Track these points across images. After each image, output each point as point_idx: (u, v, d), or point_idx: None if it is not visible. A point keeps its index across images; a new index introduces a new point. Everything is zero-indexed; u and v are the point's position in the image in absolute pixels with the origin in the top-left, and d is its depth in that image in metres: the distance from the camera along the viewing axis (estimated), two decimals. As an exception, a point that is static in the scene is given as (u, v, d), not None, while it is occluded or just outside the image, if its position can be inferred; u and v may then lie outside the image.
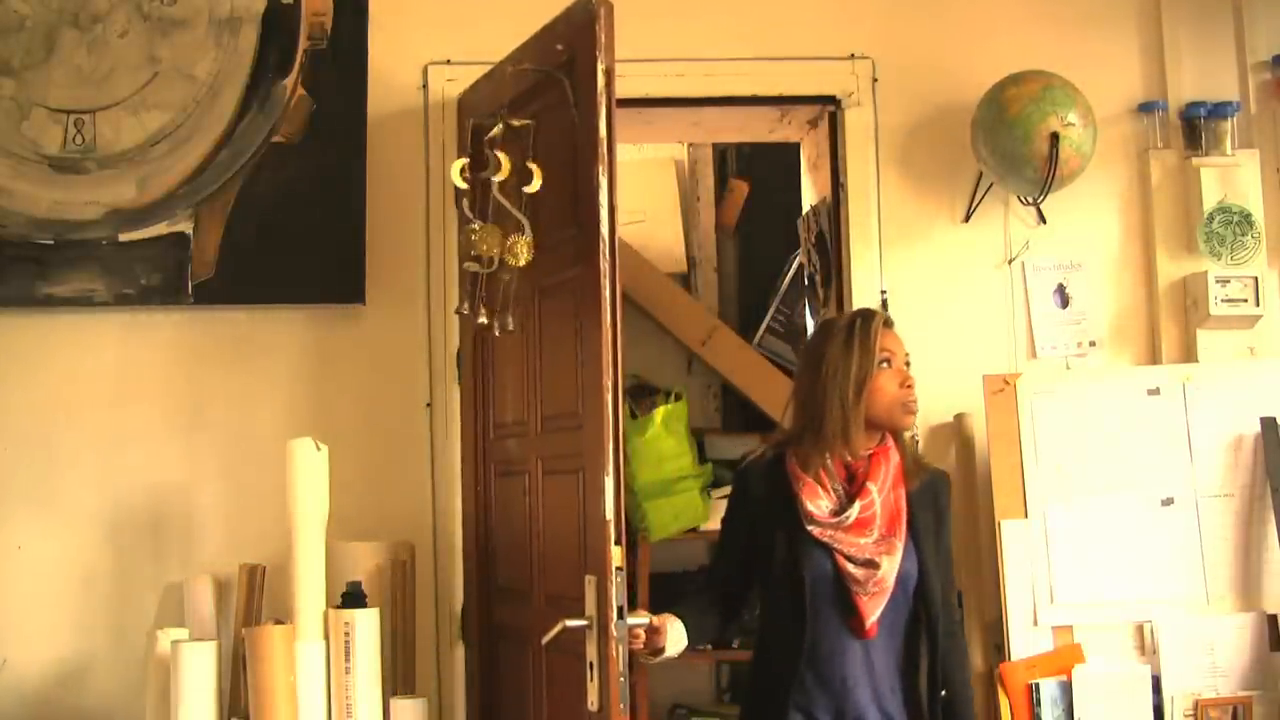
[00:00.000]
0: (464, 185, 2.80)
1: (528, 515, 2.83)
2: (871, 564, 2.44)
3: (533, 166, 2.69)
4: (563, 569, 2.64)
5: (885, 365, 2.51)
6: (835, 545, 2.45)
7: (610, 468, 2.44)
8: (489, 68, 3.13)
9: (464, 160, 2.82)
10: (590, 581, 2.45)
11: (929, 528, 2.53)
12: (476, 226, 2.76)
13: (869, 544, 2.45)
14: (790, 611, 2.47)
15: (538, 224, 2.73)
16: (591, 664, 2.43)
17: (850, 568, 2.43)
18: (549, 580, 2.74)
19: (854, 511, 2.45)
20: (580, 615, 2.46)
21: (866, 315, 2.58)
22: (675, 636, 2.52)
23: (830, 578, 2.44)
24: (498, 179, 2.73)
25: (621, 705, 2.38)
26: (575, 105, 2.60)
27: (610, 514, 2.42)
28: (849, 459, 2.51)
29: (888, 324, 2.57)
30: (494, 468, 3.04)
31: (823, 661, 2.45)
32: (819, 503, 2.47)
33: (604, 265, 2.48)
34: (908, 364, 2.55)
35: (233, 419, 3.14)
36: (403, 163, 3.23)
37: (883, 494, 2.48)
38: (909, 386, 2.53)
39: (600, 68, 2.49)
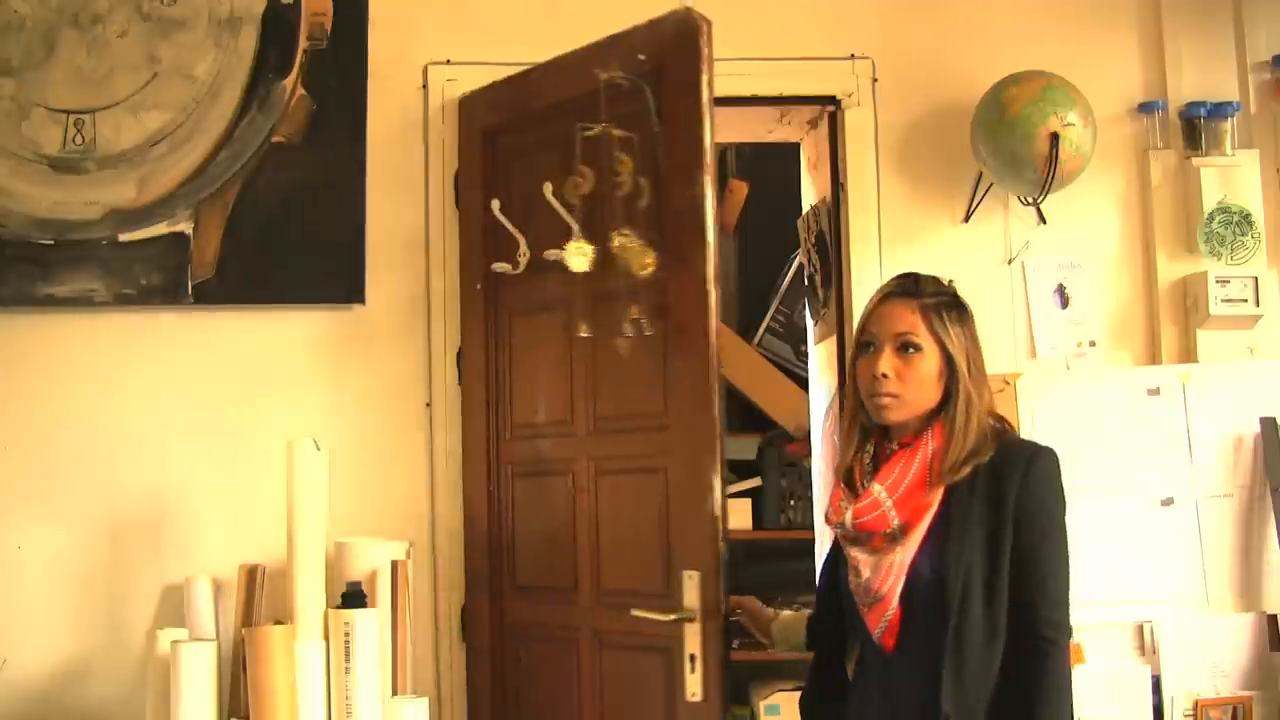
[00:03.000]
0: (577, 202, 2.80)
1: (573, 515, 2.88)
2: (856, 569, 2.20)
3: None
4: (627, 566, 2.73)
5: (866, 349, 2.24)
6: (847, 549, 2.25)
7: (718, 466, 2.53)
8: (489, 68, 3.15)
9: (575, 176, 2.82)
10: (692, 576, 2.54)
11: (976, 520, 2.13)
12: (623, 238, 2.73)
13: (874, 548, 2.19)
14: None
15: (592, 229, 2.80)
16: (693, 656, 2.52)
17: (851, 575, 2.23)
18: (606, 577, 2.81)
19: (848, 517, 2.21)
20: (660, 609, 2.56)
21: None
22: (782, 628, 2.59)
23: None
24: (621, 183, 2.75)
25: (722, 696, 2.50)
26: (658, 114, 2.67)
27: (719, 510, 2.51)
28: (888, 451, 2.25)
29: (889, 298, 2.26)
30: (510, 468, 3.07)
31: (859, 677, 2.29)
32: (838, 504, 2.25)
33: (710, 271, 2.57)
34: (906, 345, 2.20)
35: (232, 419, 3.14)
36: (403, 163, 3.23)
37: (897, 493, 2.17)
38: (878, 377, 2.19)
39: (705, 80, 2.60)
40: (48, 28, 3.18)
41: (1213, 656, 2.87)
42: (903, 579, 2.14)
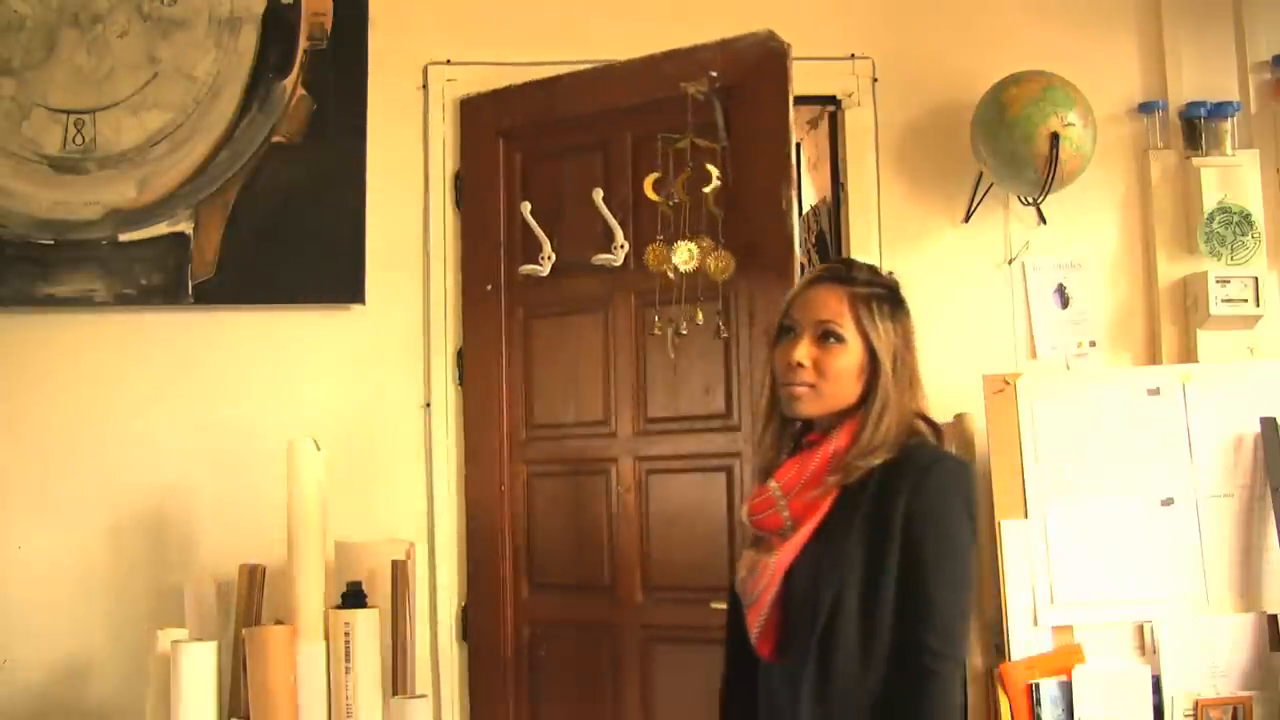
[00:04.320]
0: (657, 198, 2.91)
1: (611, 513, 3.00)
2: (739, 568, 2.04)
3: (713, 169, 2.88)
4: (685, 562, 2.86)
5: (786, 334, 2.04)
6: None
7: None
8: (489, 68, 3.18)
9: (656, 175, 2.91)
10: None
11: (859, 526, 1.92)
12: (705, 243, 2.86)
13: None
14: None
15: (638, 234, 2.96)
16: None
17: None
18: (656, 573, 2.93)
19: (744, 513, 2.06)
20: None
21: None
22: None
23: None
24: (708, 190, 2.87)
25: None
26: (726, 128, 2.82)
27: None
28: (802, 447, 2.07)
29: (818, 282, 2.05)
30: (528, 468, 3.13)
31: (764, 687, 2.07)
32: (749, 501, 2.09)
33: (796, 277, 2.70)
34: (828, 334, 1.99)
35: (232, 419, 3.14)
36: (403, 163, 3.23)
37: (793, 492, 1.99)
38: (792, 366, 1.98)
39: (791, 100, 2.81)
40: (48, 28, 3.18)
41: (1213, 656, 2.87)
42: (777, 583, 1.96)
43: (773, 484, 2.01)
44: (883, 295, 2.04)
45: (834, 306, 2.00)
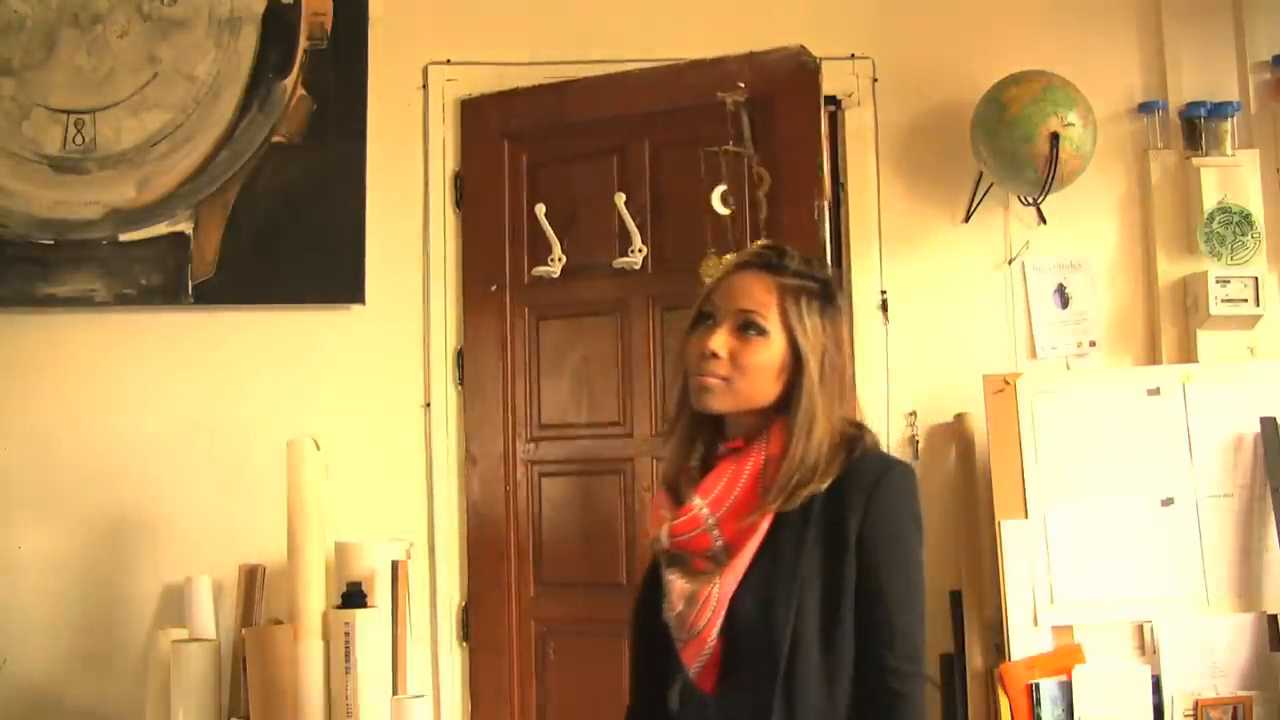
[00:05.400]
0: (726, 211, 2.93)
1: (625, 512, 3.06)
2: (671, 598, 1.82)
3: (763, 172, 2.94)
4: None
5: (704, 321, 1.86)
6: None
7: None
8: (489, 68, 3.19)
9: (722, 187, 2.93)
10: None
11: (810, 551, 1.78)
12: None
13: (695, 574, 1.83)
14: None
15: (659, 240, 3.04)
16: None
17: (666, 603, 1.84)
18: None
19: (664, 533, 1.84)
20: None
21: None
22: None
23: None
24: (762, 193, 2.93)
25: None
26: (752, 139, 2.89)
27: None
28: (718, 454, 1.88)
29: (745, 268, 1.88)
30: (536, 468, 3.15)
31: (680, 714, 1.88)
32: (659, 514, 1.88)
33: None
34: (748, 325, 1.82)
35: (232, 419, 3.14)
36: (403, 163, 3.23)
37: (721, 509, 1.80)
38: (706, 355, 1.81)
39: (821, 113, 2.93)
40: (48, 28, 3.18)
41: (1213, 656, 2.87)
42: (722, 614, 1.78)
43: (698, 501, 1.82)
44: (814, 289, 1.86)
45: (759, 296, 1.83)
